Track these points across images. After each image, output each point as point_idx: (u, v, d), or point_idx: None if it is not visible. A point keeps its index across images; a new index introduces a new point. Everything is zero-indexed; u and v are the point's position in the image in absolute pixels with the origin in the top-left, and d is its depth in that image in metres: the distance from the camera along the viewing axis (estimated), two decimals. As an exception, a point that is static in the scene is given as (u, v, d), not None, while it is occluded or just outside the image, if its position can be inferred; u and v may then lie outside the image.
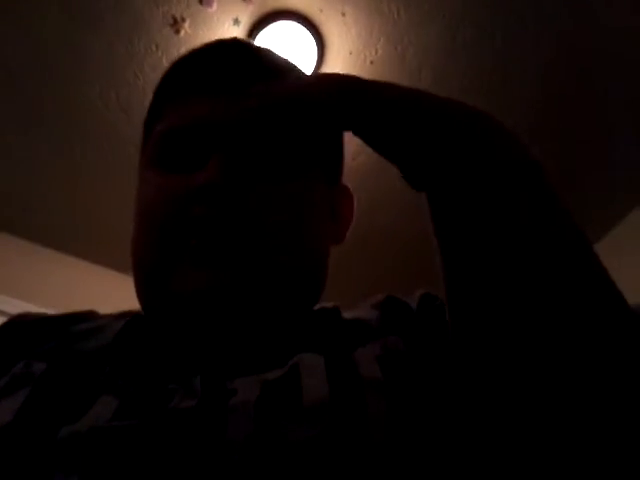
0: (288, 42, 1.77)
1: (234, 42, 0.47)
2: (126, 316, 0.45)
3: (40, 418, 0.33)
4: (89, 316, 0.46)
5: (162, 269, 0.39)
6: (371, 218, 2.24)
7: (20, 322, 0.44)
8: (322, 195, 0.46)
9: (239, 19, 1.72)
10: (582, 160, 2.13)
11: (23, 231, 2.17)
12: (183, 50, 1.74)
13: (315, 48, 1.80)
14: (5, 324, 0.45)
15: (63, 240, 2.22)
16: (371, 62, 1.84)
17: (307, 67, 1.83)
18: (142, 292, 0.42)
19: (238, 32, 1.75)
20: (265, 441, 0.30)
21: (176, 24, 1.72)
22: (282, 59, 0.47)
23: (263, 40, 1.76)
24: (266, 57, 0.46)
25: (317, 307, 0.46)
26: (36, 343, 0.40)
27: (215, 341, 0.40)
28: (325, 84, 0.33)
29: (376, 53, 1.83)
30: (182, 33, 1.74)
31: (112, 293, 1.58)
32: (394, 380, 0.34)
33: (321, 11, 1.72)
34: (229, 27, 1.73)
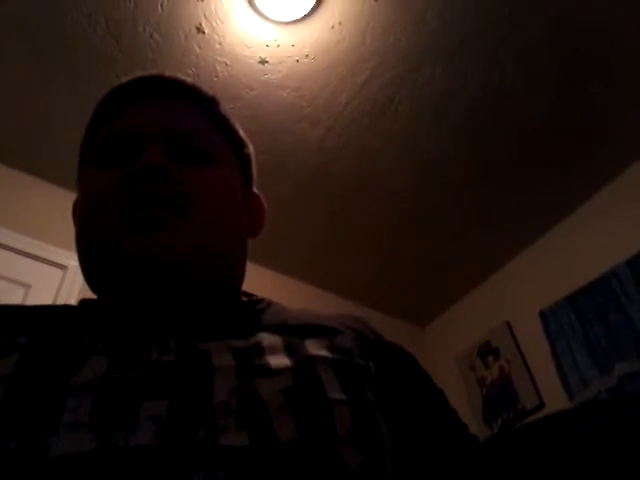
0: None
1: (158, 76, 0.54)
2: (68, 305, 0.49)
3: (39, 372, 0.35)
4: (46, 306, 0.48)
5: (114, 241, 0.44)
6: (365, 164, 2.22)
7: None
8: (240, 187, 0.53)
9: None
10: (588, 113, 2.10)
11: None
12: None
13: (317, -19, 1.70)
14: None
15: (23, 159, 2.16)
16: (375, 0, 1.77)
17: (307, 5, 1.74)
18: (97, 265, 0.46)
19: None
20: (249, 393, 0.35)
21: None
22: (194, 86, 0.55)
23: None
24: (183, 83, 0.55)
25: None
26: (11, 325, 0.41)
27: (158, 303, 0.45)
28: None
29: (381, -10, 1.74)
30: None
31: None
32: (341, 360, 0.42)
33: (326, -60, 1.63)
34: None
